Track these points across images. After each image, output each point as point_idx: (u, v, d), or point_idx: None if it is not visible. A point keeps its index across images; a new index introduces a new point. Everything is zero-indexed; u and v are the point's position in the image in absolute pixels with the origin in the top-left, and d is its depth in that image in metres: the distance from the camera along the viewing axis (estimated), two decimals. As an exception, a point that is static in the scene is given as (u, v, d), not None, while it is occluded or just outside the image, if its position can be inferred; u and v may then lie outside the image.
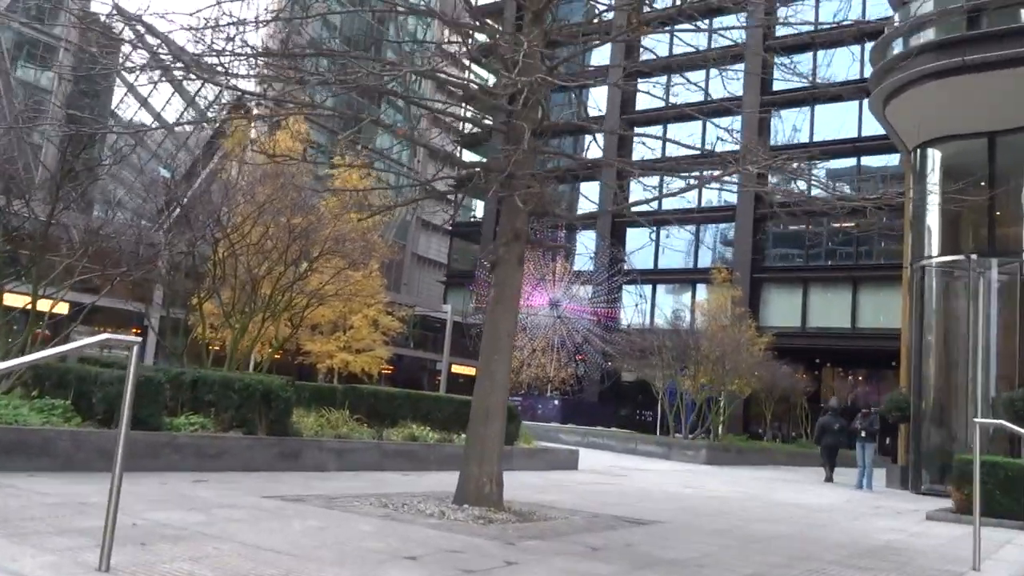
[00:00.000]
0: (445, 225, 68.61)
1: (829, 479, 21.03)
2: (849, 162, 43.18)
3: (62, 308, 37.08)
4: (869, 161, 42.78)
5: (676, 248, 50.39)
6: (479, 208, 65.09)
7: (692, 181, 8.82)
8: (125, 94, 57.44)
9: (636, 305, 43.33)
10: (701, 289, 45.72)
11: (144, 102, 59.21)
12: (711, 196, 45.88)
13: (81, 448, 8.45)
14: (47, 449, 8.19)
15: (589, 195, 46.46)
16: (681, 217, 47.37)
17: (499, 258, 8.18)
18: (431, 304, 55.43)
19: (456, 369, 51.92)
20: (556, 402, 36.95)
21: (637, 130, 43.33)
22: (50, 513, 5.71)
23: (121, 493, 7.21)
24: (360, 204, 27.34)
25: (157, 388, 9.40)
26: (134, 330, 40.27)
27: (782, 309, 45.89)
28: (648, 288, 47.16)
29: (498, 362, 7.96)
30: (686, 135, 11.22)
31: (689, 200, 45.81)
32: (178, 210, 13.24)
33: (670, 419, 28.68)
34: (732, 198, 42.94)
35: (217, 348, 18.55)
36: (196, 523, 5.80)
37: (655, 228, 50.68)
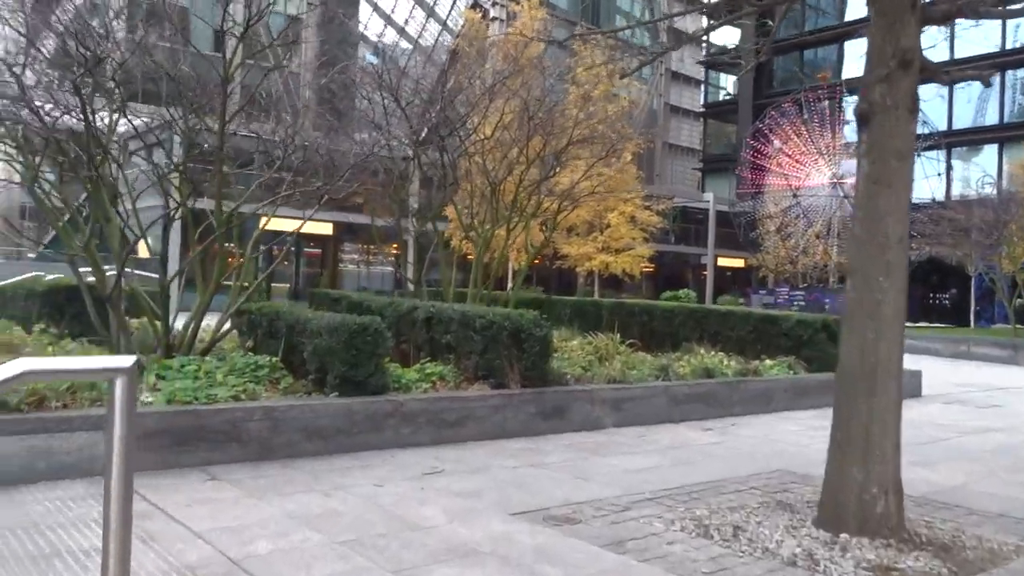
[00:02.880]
0: (696, 108, 63.24)
1: None
2: None
3: (326, 228, 37.44)
4: None
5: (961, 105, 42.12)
6: (730, 84, 59.11)
7: None
8: (370, 16, 57.57)
9: (939, 174, 36.44)
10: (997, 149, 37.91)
11: (388, 19, 59.18)
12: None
13: (279, 428, 6.32)
14: (235, 434, 6.12)
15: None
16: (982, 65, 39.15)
17: (872, 104, 4.69)
18: (687, 194, 51.14)
19: (722, 262, 47.75)
20: (848, 295, 31.89)
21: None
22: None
23: (303, 516, 4.63)
24: (607, 94, 24.11)
25: (376, 338, 7.06)
26: (393, 246, 40.21)
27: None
28: (941, 154, 39.59)
29: (887, 286, 4.59)
30: None
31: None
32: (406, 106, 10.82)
33: (1009, 307, 23.23)
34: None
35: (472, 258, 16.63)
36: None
37: (948, 82, 42.58)
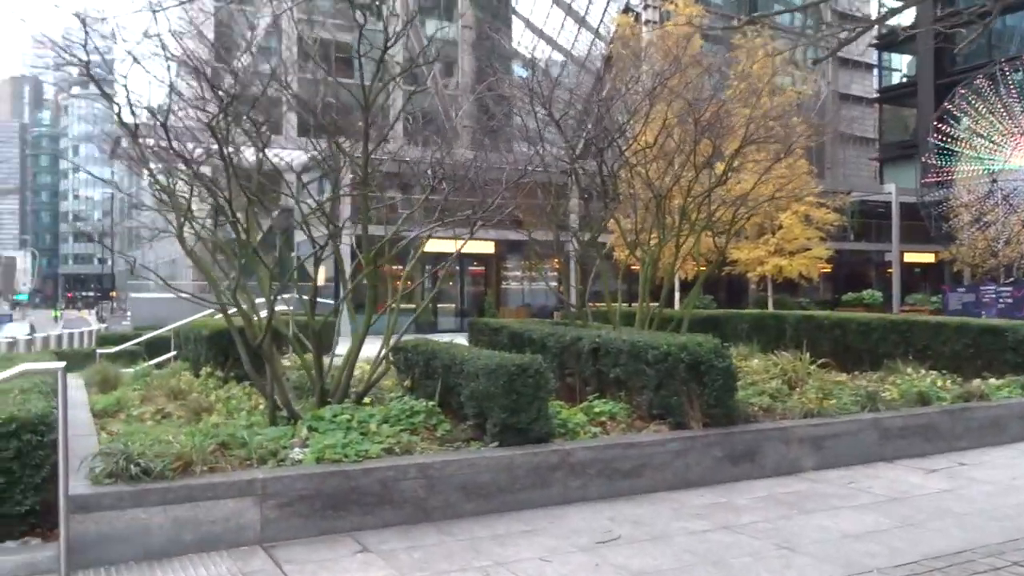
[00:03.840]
0: (868, 93, 58.97)
1: None
2: None
3: (488, 247, 37.49)
4: None
5: None
6: (905, 64, 54.67)
7: None
8: (523, 32, 57.84)
9: None
10: None
11: (540, 33, 59.25)
12: None
13: (434, 487, 5.72)
14: (387, 495, 5.57)
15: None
16: None
17: None
18: (864, 187, 47.47)
19: (909, 258, 43.97)
20: (1066, 291, 28.10)
21: None
22: None
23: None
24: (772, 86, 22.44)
25: (537, 380, 6.34)
26: (555, 261, 40.00)
27: None
28: None
29: None
30: None
31: None
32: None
33: None
34: None
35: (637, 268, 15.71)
36: None
37: None
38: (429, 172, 8.52)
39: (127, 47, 7.09)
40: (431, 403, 7.07)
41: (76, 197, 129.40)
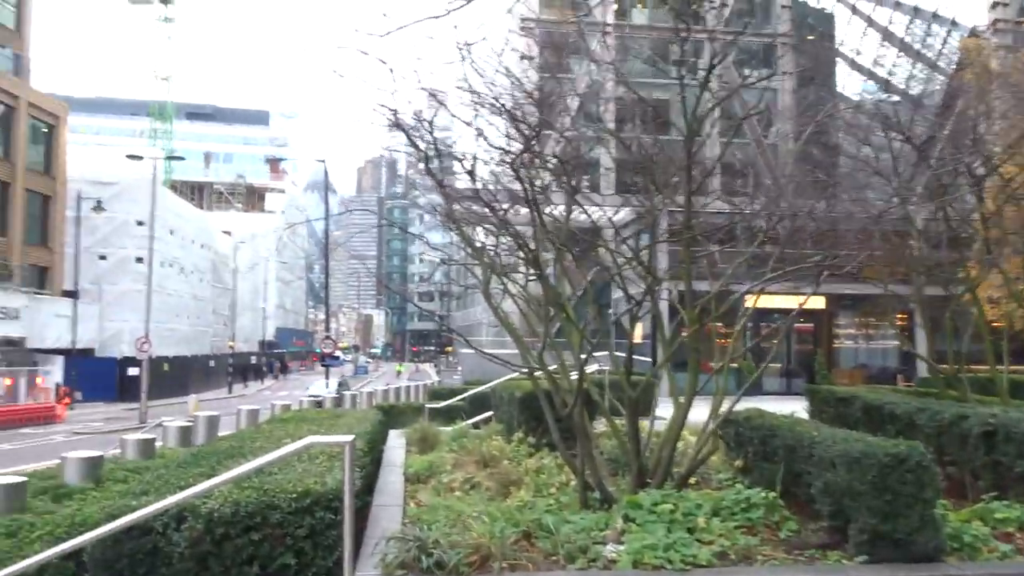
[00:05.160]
0: None
1: None
2: None
3: (818, 302, 34.55)
4: None
5: None
6: None
7: None
8: (848, 75, 54.02)
9: None
10: None
11: (869, 73, 54.88)
12: None
13: (784, 615, 4.42)
14: (723, 619, 4.38)
15: None
16: None
17: None
18: None
19: None
20: None
21: None
22: None
23: None
24: None
25: (920, 477, 4.83)
26: (898, 316, 35.66)
27: None
28: None
29: None
30: None
31: None
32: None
33: None
34: None
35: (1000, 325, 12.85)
36: None
37: None
38: (762, 219, 7.34)
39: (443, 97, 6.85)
40: (771, 494, 5.78)
41: (421, 260, 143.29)
